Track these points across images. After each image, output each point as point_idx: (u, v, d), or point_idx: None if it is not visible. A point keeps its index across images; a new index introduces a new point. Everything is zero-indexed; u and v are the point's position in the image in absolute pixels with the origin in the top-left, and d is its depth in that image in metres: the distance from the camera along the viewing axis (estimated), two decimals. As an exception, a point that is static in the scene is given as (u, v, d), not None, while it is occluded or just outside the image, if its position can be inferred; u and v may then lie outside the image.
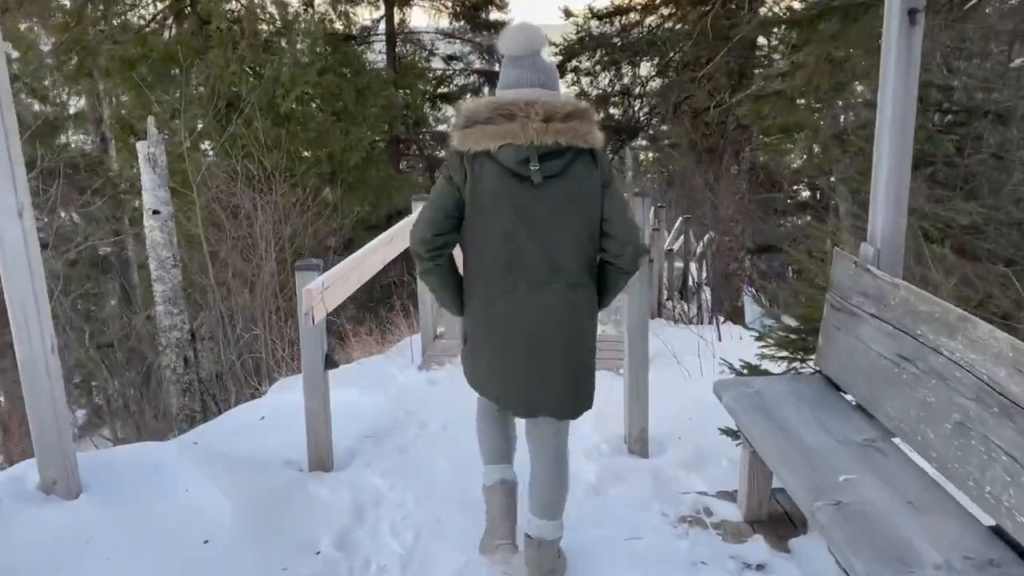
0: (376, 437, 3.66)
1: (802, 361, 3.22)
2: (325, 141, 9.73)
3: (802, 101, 6.01)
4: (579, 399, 2.28)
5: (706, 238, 15.94)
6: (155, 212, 7.20)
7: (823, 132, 6.23)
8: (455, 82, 14.06)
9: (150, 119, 7.24)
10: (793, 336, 3.26)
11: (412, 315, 6.20)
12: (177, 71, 9.42)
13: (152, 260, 7.38)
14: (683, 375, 4.52)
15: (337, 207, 10.47)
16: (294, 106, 9.32)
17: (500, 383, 2.26)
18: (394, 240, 4.16)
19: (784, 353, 3.24)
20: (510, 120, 2.04)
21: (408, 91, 11.64)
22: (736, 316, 13.31)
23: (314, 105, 9.68)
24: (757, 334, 3.43)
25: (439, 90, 13.62)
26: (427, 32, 13.71)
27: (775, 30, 8.74)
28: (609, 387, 3.43)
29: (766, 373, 3.25)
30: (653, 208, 7.38)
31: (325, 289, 3.10)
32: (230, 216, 7.79)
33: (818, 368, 2.80)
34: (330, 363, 3.35)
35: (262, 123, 9.20)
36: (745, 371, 3.28)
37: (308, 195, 8.47)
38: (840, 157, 5.18)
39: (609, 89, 14.36)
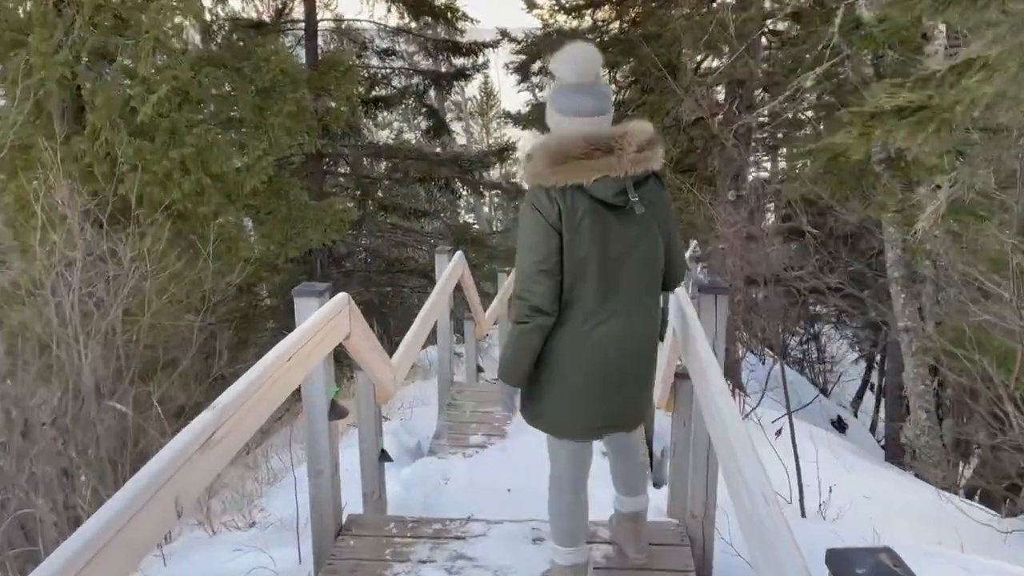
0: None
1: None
2: (210, 159, 7.01)
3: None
4: (646, 412, 2.49)
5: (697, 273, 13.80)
6: None
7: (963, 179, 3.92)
8: (393, 83, 11.43)
9: None
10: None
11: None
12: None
13: None
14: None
15: (232, 247, 7.77)
16: (157, 113, 6.56)
17: (589, 407, 2.29)
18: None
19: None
20: (608, 153, 2.04)
21: (330, 94, 8.96)
22: (731, 376, 11.09)
23: (186, 110, 6.94)
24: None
25: (372, 93, 10.97)
26: (362, 21, 11.04)
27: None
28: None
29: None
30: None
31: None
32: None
33: None
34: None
35: (114, 135, 6.49)
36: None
37: (160, 241, 5.73)
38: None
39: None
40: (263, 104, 7.60)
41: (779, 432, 5.36)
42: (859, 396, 18.86)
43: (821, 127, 8.38)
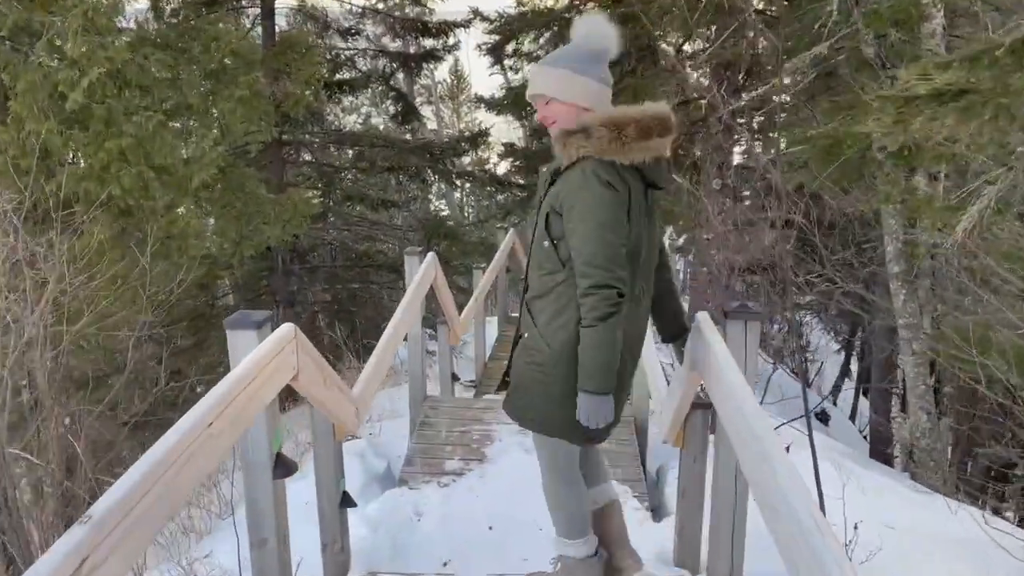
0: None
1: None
2: (153, 150, 6.31)
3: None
4: None
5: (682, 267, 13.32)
6: None
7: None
8: (359, 66, 10.71)
9: None
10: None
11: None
12: None
13: None
14: None
15: (182, 245, 7.09)
16: (90, 99, 5.85)
17: (620, 404, 2.22)
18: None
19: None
20: (667, 133, 2.02)
21: (289, 77, 8.25)
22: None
23: (124, 95, 6.23)
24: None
25: (336, 76, 10.25)
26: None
27: None
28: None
29: None
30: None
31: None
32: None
33: None
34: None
35: (39, 124, 5.77)
36: None
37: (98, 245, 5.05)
38: None
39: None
40: (212, 89, 6.90)
41: (788, 447, 4.87)
42: (837, 386, 18.70)
43: (812, 112, 7.94)
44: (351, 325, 10.36)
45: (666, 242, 2.26)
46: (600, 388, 2.06)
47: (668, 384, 3.40)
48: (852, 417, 17.32)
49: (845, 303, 10.19)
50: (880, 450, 11.84)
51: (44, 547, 4.25)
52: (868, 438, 13.85)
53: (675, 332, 2.51)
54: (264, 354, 2.25)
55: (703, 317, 2.40)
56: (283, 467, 2.52)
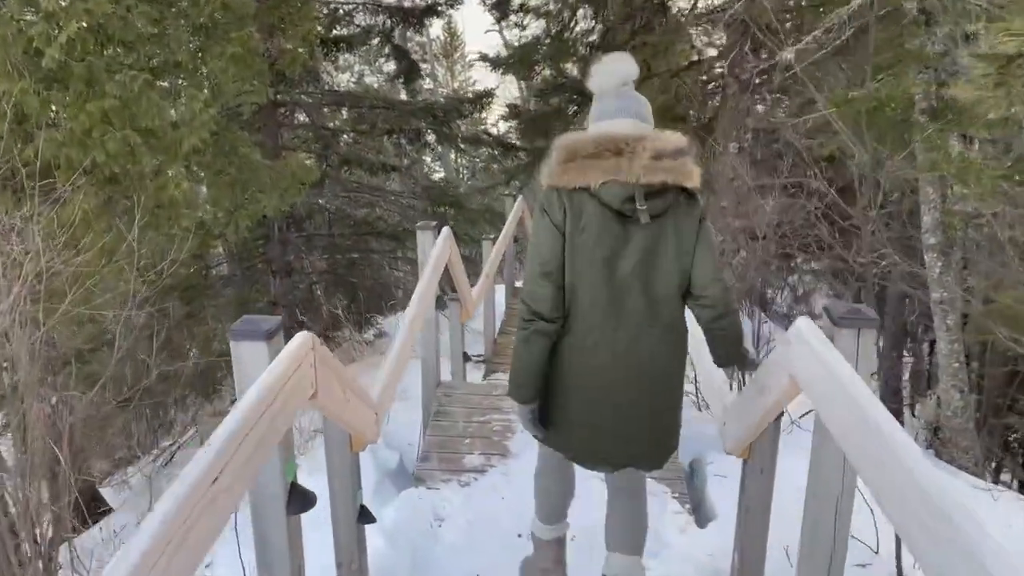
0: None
1: None
2: (139, 112, 5.80)
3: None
4: (665, 451, 2.25)
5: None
6: None
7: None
8: (356, 21, 10.10)
9: None
10: None
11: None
12: None
13: None
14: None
15: (172, 215, 6.62)
16: (69, 56, 5.33)
17: (589, 435, 2.16)
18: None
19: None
20: (617, 155, 1.95)
21: (284, 33, 7.69)
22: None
23: (107, 53, 5.71)
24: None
25: (332, 32, 9.66)
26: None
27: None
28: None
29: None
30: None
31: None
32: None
33: None
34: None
35: (12, 84, 5.26)
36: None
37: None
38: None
39: (568, 35, 10.73)
40: (202, 45, 6.36)
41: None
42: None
43: (844, 69, 7.42)
44: (351, 295, 9.92)
45: (704, 266, 2.00)
46: (511, 394, 2.20)
47: (733, 387, 3.03)
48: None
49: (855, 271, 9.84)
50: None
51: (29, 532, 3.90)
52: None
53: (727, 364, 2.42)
54: (279, 375, 1.84)
55: (806, 325, 2.00)
56: (299, 500, 2.13)
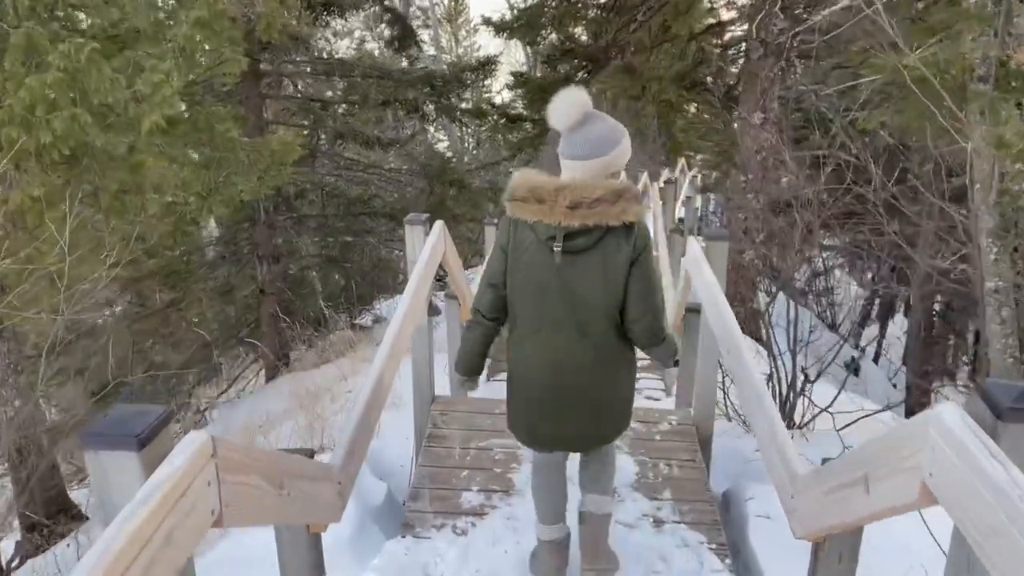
0: None
1: None
2: (89, 87, 5.08)
3: None
4: (602, 438, 2.59)
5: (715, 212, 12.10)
6: None
7: None
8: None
9: None
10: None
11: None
12: None
13: None
14: None
15: (139, 199, 5.94)
16: (1, 22, 4.59)
17: (533, 424, 2.52)
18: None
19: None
20: (540, 203, 2.21)
21: (262, -6, 6.89)
22: (751, 323, 9.62)
23: (49, 18, 4.97)
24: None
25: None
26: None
27: None
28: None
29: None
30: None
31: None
32: None
33: None
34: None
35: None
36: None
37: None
38: None
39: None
40: (164, 9, 5.61)
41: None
42: (861, 325, 17.88)
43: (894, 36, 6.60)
44: (345, 283, 9.25)
45: (633, 302, 1.86)
46: (455, 367, 2.64)
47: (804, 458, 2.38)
48: (875, 360, 16.51)
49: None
50: (919, 406, 11.04)
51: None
52: (903, 389, 13.00)
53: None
54: (154, 505, 1.16)
55: (954, 420, 1.31)
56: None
